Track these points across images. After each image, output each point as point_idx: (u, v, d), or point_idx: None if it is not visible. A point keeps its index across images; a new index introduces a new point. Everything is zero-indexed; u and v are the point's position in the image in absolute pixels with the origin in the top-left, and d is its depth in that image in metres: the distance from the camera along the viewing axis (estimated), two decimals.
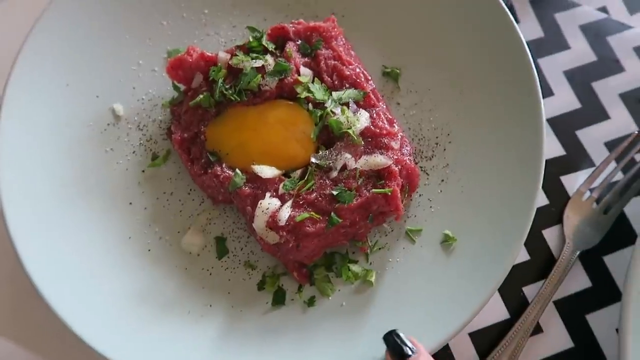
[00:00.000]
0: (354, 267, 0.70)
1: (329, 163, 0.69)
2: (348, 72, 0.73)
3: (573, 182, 0.77)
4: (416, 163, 0.74)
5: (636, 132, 0.78)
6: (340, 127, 0.69)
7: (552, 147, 0.79)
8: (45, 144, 0.73)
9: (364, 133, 0.70)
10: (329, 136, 0.71)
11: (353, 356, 0.65)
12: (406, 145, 0.72)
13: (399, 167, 0.69)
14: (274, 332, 0.68)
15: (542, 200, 0.76)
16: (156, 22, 0.81)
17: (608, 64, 0.83)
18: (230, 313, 0.69)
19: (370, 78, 0.75)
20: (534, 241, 0.72)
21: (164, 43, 0.81)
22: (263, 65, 0.72)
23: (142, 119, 0.78)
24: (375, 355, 0.64)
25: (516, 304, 0.72)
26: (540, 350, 0.70)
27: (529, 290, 0.72)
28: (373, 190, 0.67)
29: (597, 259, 0.74)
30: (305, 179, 0.68)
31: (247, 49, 0.74)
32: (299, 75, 0.72)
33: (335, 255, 0.71)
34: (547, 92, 0.82)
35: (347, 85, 0.73)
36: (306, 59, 0.74)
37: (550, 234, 0.75)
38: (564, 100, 0.81)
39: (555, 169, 0.77)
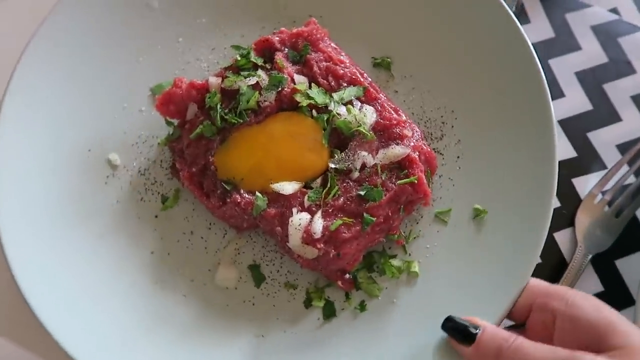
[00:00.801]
0: (395, 262, 0.69)
1: (348, 165, 0.68)
2: (342, 71, 0.72)
3: (584, 184, 0.76)
4: (428, 146, 0.74)
5: None
6: (350, 126, 0.68)
7: (563, 149, 0.78)
8: (49, 213, 0.69)
9: (374, 127, 0.69)
10: (340, 138, 0.70)
11: (416, 348, 0.64)
12: (416, 131, 0.71)
13: (417, 153, 0.68)
14: (331, 345, 0.66)
15: (553, 202, 0.73)
16: (132, 61, 0.78)
17: (619, 66, 0.81)
18: (284, 338, 0.67)
19: (364, 72, 0.74)
20: (546, 244, 0.67)
21: (145, 80, 0.78)
22: (257, 82, 0.70)
23: (141, 163, 0.75)
24: (438, 343, 0.63)
25: None
26: None
27: None
28: (399, 182, 0.66)
29: (609, 263, 0.73)
30: (328, 186, 0.67)
31: (236, 69, 0.71)
32: (295, 84, 0.71)
33: (374, 254, 0.70)
34: (558, 93, 0.80)
35: (344, 84, 0.71)
36: (298, 67, 0.72)
37: (561, 237, 0.74)
38: (575, 101, 0.80)
39: (567, 171, 0.76)
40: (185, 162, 0.71)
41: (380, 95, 0.72)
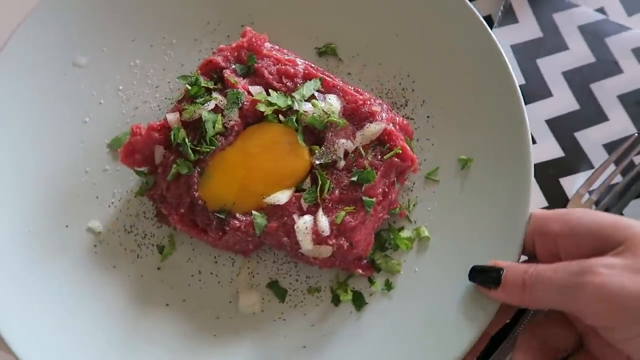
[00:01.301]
0: (404, 233, 0.70)
1: (331, 157, 0.68)
2: (294, 70, 0.72)
3: (572, 184, 0.76)
4: (397, 115, 0.75)
5: (635, 134, 0.76)
6: (320, 119, 0.68)
7: (550, 149, 0.77)
8: (51, 299, 0.65)
9: (342, 113, 0.69)
10: (314, 134, 0.70)
11: (450, 304, 0.65)
12: (382, 104, 0.72)
13: (391, 125, 0.69)
14: (373, 331, 0.66)
15: (540, 202, 0.76)
16: (78, 122, 0.74)
17: (607, 66, 0.81)
18: (326, 342, 0.66)
19: (313, 64, 0.74)
20: None
21: (98, 139, 0.75)
22: (216, 105, 0.68)
23: (125, 221, 0.72)
24: (467, 292, 0.65)
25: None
26: None
27: None
28: (385, 157, 0.67)
29: None
30: (320, 183, 0.67)
31: (190, 98, 0.69)
32: (252, 95, 0.70)
33: (382, 234, 0.71)
34: (546, 93, 0.80)
35: (300, 81, 0.71)
36: (249, 78, 0.72)
37: None
38: (563, 101, 0.80)
39: (554, 170, 0.76)
40: (170, 206, 0.69)
41: (337, 81, 0.72)
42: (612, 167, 0.76)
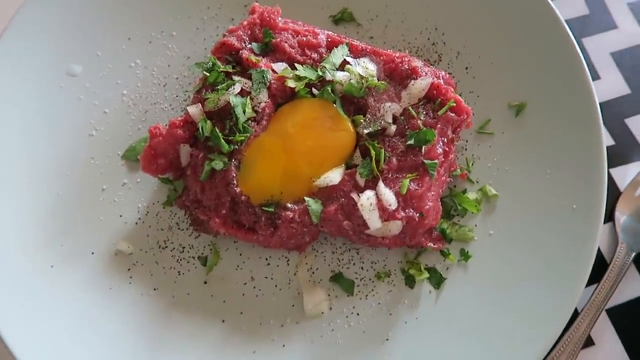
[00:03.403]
0: (471, 195, 0.64)
1: (380, 123, 0.61)
2: (316, 40, 0.65)
3: (624, 175, 0.69)
4: None
5: None
6: (359, 86, 0.61)
7: None
8: (97, 331, 0.56)
9: (380, 76, 0.63)
10: (353, 102, 0.63)
11: (538, 265, 0.59)
12: (418, 61, 0.65)
13: (435, 79, 0.63)
14: (459, 308, 0.59)
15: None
16: (85, 137, 0.66)
17: None
18: (411, 329, 0.59)
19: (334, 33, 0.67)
20: None
21: (109, 151, 0.66)
22: (241, 88, 0.61)
23: (157, 237, 0.64)
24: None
25: None
26: None
27: (579, 298, 0.60)
28: (439, 112, 0.60)
29: None
30: (373, 154, 0.59)
31: (209, 86, 0.62)
32: (277, 73, 0.62)
33: (445, 201, 0.64)
34: (594, 75, 0.74)
35: (324, 51, 0.64)
36: (269, 56, 0.64)
37: (600, 234, 0.61)
38: (612, 85, 0.73)
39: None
40: (208, 210, 0.60)
41: (363, 44, 0.66)
42: None
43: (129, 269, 0.62)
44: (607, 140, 0.70)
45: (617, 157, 0.70)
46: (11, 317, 0.56)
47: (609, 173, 0.68)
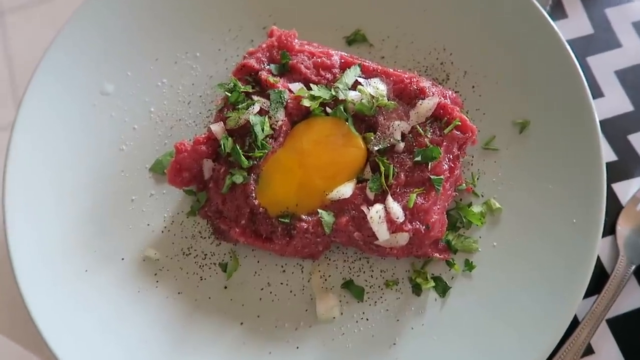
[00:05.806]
0: (475, 208, 0.67)
1: (389, 141, 0.65)
2: (330, 61, 0.69)
3: (626, 190, 0.70)
4: None
5: None
6: (370, 105, 0.65)
7: (602, 152, 0.67)
8: (120, 335, 0.61)
9: (389, 96, 0.67)
10: (364, 121, 0.67)
11: (541, 276, 0.62)
12: (427, 81, 0.69)
13: (442, 98, 0.66)
14: (459, 316, 0.63)
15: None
16: (116, 151, 0.71)
17: None
18: (417, 334, 0.63)
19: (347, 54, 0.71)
20: None
21: (138, 164, 0.71)
22: (260, 108, 0.65)
23: (181, 245, 0.69)
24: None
25: None
26: None
27: (580, 308, 0.64)
28: (445, 130, 0.64)
29: None
30: (382, 169, 0.63)
31: (231, 106, 0.67)
32: (294, 92, 0.67)
33: (451, 213, 0.68)
34: (597, 93, 0.75)
35: (338, 72, 0.69)
36: (286, 77, 0.69)
37: (601, 246, 0.67)
38: (615, 102, 0.74)
39: (607, 175, 0.66)
40: (229, 220, 0.65)
41: (374, 65, 0.70)
42: None
43: (155, 274, 0.67)
44: (610, 155, 0.72)
45: (619, 172, 0.72)
46: (50, 315, 0.61)
47: (611, 188, 0.70)
